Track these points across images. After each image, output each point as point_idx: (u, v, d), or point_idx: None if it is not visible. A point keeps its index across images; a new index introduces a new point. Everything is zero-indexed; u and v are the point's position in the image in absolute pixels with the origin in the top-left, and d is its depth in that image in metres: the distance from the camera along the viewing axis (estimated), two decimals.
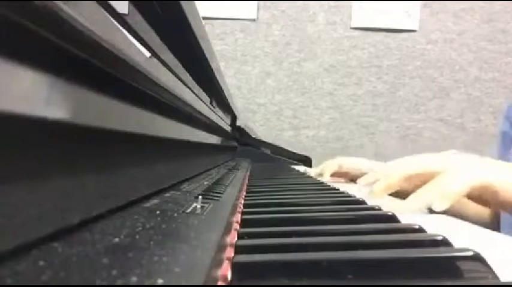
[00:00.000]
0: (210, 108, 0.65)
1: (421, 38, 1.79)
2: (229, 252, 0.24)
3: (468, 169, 0.44)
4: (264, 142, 1.42)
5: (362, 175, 0.66)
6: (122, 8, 0.26)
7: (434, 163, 0.47)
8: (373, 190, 0.51)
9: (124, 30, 0.24)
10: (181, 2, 0.39)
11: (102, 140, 0.23)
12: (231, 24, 1.76)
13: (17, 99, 0.14)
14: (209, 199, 0.36)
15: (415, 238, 0.27)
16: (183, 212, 0.29)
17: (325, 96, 1.80)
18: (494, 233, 0.34)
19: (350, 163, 0.91)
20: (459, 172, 0.44)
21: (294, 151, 1.36)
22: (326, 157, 1.07)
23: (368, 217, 0.36)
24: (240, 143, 1.34)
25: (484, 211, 0.67)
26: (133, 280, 0.14)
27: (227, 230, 0.27)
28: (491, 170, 0.45)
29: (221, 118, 0.83)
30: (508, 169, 0.47)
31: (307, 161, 1.38)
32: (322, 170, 0.94)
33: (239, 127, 1.28)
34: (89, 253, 0.17)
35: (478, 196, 0.45)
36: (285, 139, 1.76)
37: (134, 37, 0.26)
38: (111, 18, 0.21)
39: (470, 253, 0.21)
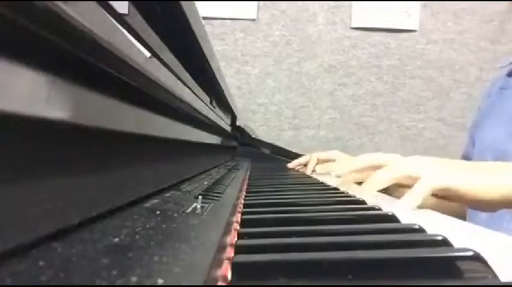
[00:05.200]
0: (210, 108, 0.65)
1: (421, 38, 1.79)
2: (229, 252, 0.24)
3: (430, 173, 0.51)
4: (264, 142, 1.42)
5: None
6: (122, 8, 0.26)
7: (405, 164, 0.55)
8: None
9: (124, 30, 0.24)
10: (181, 2, 0.39)
11: (102, 140, 0.23)
12: (231, 24, 1.76)
13: (17, 99, 0.14)
14: (209, 199, 0.36)
15: (415, 238, 0.27)
16: (183, 212, 0.29)
17: (325, 96, 1.80)
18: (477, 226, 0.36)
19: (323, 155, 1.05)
20: (424, 174, 0.51)
21: (294, 151, 1.35)
22: None
23: (368, 217, 0.36)
24: (240, 143, 1.34)
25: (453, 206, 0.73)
26: (133, 280, 0.14)
27: (227, 230, 0.27)
28: (450, 172, 0.52)
29: (221, 118, 0.83)
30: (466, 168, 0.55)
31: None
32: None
33: (239, 127, 1.28)
34: (89, 253, 0.17)
35: (444, 195, 0.52)
36: (285, 139, 1.76)
37: (134, 37, 0.26)
38: (111, 18, 0.21)
39: (470, 253, 0.21)
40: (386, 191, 0.61)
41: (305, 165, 1.09)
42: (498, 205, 0.51)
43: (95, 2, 0.19)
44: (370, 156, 0.62)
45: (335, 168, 0.63)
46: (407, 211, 0.46)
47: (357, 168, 0.61)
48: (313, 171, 1.02)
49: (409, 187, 0.52)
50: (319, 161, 1.04)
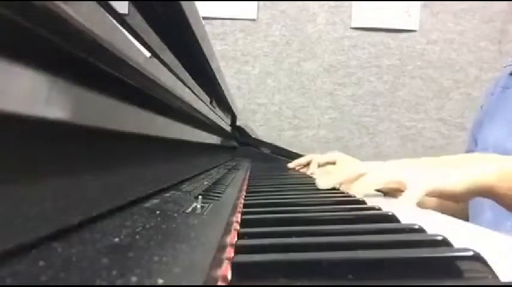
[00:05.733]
0: (210, 108, 0.65)
1: (421, 38, 1.79)
2: (229, 252, 0.24)
3: (422, 177, 0.56)
4: (263, 142, 1.42)
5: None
6: (122, 8, 0.26)
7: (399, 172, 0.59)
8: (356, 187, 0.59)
9: (124, 30, 0.24)
10: (181, 2, 0.39)
11: (102, 140, 0.23)
12: (231, 24, 1.76)
13: (17, 99, 0.14)
14: (209, 199, 0.36)
15: (415, 238, 0.27)
16: (183, 212, 0.29)
17: (325, 96, 1.80)
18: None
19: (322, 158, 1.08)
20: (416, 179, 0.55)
21: (294, 151, 1.35)
22: None
23: (368, 217, 0.36)
24: (240, 143, 1.34)
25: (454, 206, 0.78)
26: (133, 280, 0.14)
27: (227, 230, 0.27)
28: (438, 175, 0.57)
29: (221, 118, 0.83)
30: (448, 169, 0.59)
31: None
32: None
33: (239, 127, 1.28)
34: (89, 253, 0.17)
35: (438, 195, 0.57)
36: (285, 139, 1.76)
37: (134, 37, 0.26)
38: (111, 18, 0.21)
39: (470, 253, 0.21)
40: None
41: (305, 165, 1.09)
42: (470, 195, 0.56)
43: (95, 2, 0.19)
44: (355, 167, 0.65)
45: (320, 181, 0.63)
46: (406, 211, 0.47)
47: (345, 180, 0.62)
48: (313, 173, 1.02)
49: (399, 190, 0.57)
50: (319, 166, 1.05)
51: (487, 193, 0.57)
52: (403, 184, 0.56)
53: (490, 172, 0.56)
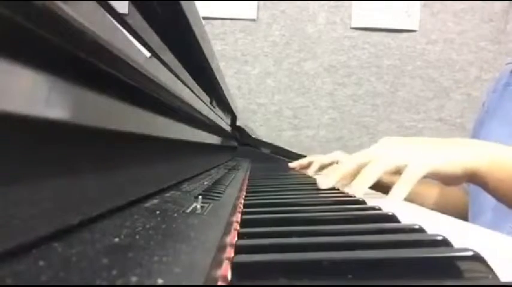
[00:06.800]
0: (210, 108, 0.65)
1: (421, 38, 1.78)
2: (229, 252, 0.24)
3: (422, 159, 0.55)
4: (263, 142, 1.42)
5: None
6: (122, 8, 0.26)
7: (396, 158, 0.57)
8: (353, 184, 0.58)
9: (124, 30, 0.24)
10: (181, 2, 0.39)
11: (102, 140, 0.23)
12: (231, 24, 1.76)
13: (17, 99, 0.14)
14: (209, 199, 0.36)
15: (415, 238, 0.27)
16: (183, 212, 0.29)
17: (325, 96, 1.80)
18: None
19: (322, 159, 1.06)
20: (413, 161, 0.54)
21: (294, 151, 1.35)
22: None
23: (368, 217, 0.36)
24: (240, 143, 1.34)
25: (455, 206, 0.80)
26: (133, 280, 0.14)
27: (227, 230, 0.27)
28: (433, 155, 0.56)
29: (221, 118, 0.83)
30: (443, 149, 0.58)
31: None
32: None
33: (239, 127, 1.29)
34: (89, 253, 0.17)
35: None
36: (285, 139, 1.76)
37: (134, 37, 0.26)
38: (111, 18, 0.21)
39: (470, 253, 0.21)
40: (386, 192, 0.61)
41: (306, 167, 1.08)
42: (463, 178, 0.56)
43: (94, 2, 0.19)
44: (353, 158, 0.63)
45: (321, 181, 0.61)
46: (399, 202, 0.49)
47: (345, 173, 0.61)
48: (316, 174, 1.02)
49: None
50: (323, 166, 1.03)
51: (478, 179, 0.56)
52: (402, 168, 0.55)
53: (482, 157, 0.56)
